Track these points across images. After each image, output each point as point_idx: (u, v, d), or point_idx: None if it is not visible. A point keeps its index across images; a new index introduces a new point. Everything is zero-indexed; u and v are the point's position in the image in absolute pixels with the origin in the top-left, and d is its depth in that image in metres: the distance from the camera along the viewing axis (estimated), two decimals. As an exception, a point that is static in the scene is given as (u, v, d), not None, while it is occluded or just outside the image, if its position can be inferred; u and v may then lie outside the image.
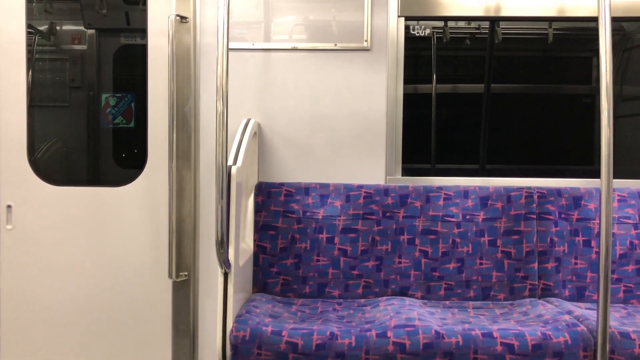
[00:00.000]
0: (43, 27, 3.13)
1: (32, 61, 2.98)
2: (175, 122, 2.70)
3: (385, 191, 2.68)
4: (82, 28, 3.18)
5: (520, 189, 2.67)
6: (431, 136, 3.81)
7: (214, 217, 2.15)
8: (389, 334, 2.07)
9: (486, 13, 2.86)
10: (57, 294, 2.83)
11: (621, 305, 2.56)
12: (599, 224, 2.01)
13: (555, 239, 2.62)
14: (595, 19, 2.07)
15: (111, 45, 3.20)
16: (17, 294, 2.83)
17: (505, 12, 2.85)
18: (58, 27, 3.19)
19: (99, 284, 2.82)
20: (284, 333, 2.07)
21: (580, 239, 2.63)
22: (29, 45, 2.89)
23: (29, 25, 2.87)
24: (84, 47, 3.20)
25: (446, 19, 3.40)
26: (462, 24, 3.73)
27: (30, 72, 2.91)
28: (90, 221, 2.82)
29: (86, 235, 2.82)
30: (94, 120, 3.14)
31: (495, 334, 2.07)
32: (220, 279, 2.23)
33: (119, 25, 3.16)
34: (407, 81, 2.88)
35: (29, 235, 2.83)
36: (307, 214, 2.67)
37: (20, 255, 2.83)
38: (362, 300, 2.58)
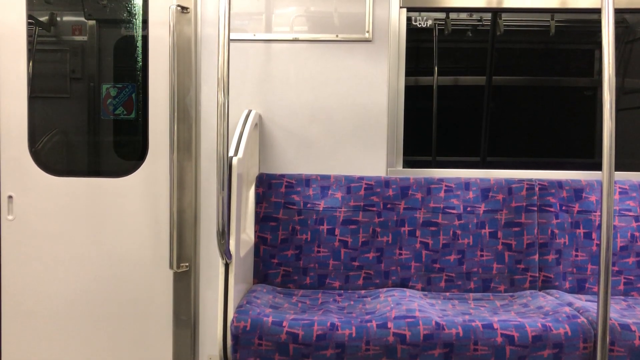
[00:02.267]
0: (43, 18, 3.12)
1: (33, 52, 2.97)
2: (176, 113, 2.70)
3: (386, 183, 2.68)
4: (82, 19, 3.16)
5: (521, 181, 2.67)
6: (432, 128, 3.80)
7: (215, 208, 2.16)
8: (390, 324, 2.07)
9: (488, 5, 2.84)
10: (58, 284, 2.84)
11: (621, 297, 2.56)
12: (600, 216, 2.00)
13: (556, 231, 2.62)
14: (598, 11, 2.06)
15: (112, 36, 3.19)
16: (18, 284, 2.84)
17: (507, 4, 2.84)
18: (58, 18, 3.17)
19: (100, 274, 2.83)
20: (284, 323, 2.08)
21: (581, 231, 2.63)
22: (30, 36, 2.88)
23: (29, 16, 2.87)
24: (85, 38, 3.19)
25: (448, 10, 3.38)
26: (464, 15, 3.71)
27: (30, 63, 2.90)
28: (91, 212, 2.83)
29: (87, 226, 2.83)
30: (94, 111, 3.14)
31: (495, 326, 2.07)
32: (221, 269, 2.24)
33: (120, 16, 3.14)
34: (408, 73, 2.87)
35: (30, 226, 2.83)
36: (308, 205, 2.67)
37: (21, 245, 2.84)
38: (363, 291, 2.59)
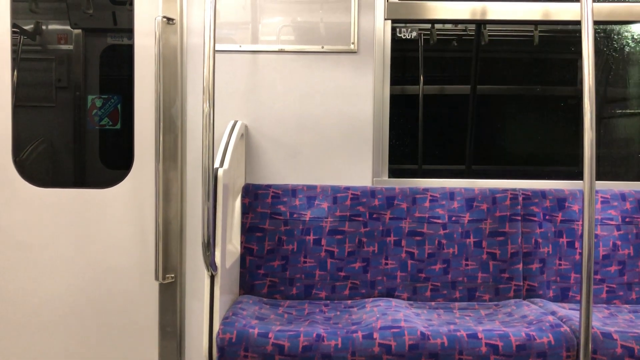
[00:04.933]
0: (28, 27, 3.11)
1: (18, 61, 2.96)
2: (161, 124, 2.69)
3: (372, 193, 2.69)
4: (68, 28, 3.15)
5: (505, 190, 2.70)
6: (418, 137, 3.83)
7: (201, 219, 2.15)
8: (375, 335, 2.08)
9: (472, 16, 2.88)
10: (42, 296, 2.81)
11: (604, 305, 2.59)
12: (583, 225, 2.03)
13: (540, 240, 2.65)
14: (578, 23, 2.09)
15: (98, 45, 3.18)
16: (1, 296, 2.81)
17: (491, 15, 2.87)
18: (44, 27, 3.16)
19: (85, 286, 2.81)
20: (270, 335, 2.08)
21: (564, 240, 2.66)
22: (14, 45, 2.87)
23: (13, 25, 2.85)
24: (71, 47, 3.18)
25: (433, 21, 3.42)
26: (449, 25, 3.75)
27: (15, 72, 2.88)
28: (77, 223, 2.81)
29: (72, 237, 2.81)
30: (80, 121, 3.12)
31: (480, 335, 2.09)
32: (207, 281, 2.23)
33: (106, 26, 3.14)
34: (394, 82, 2.89)
35: (13, 238, 2.81)
36: (294, 215, 2.67)
37: (5, 257, 2.81)
38: (349, 301, 2.59)
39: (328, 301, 2.60)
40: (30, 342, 2.82)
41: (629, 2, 2.96)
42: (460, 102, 3.93)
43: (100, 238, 2.80)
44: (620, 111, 3.81)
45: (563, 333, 2.11)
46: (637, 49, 3.59)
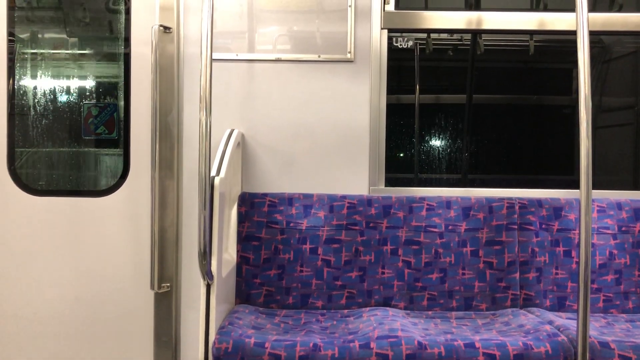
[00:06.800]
0: (25, 35, 3.10)
1: (14, 69, 2.95)
2: (158, 132, 2.69)
3: (369, 201, 2.69)
4: (64, 36, 3.15)
5: (501, 199, 2.70)
6: (414, 146, 3.84)
7: (197, 228, 2.14)
8: (372, 345, 2.07)
9: (468, 26, 2.89)
10: (37, 305, 2.79)
11: (601, 314, 2.59)
12: (579, 234, 2.03)
13: (536, 249, 2.65)
14: (573, 33, 2.10)
15: (94, 53, 3.18)
16: (-5, 306, 2.79)
17: (487, 25, 2.88)
18: (40, 35, 3.16)
19: (80, 295, 2.79)
20: (267, 344, 2.06)
21: (560, 249, 2.66)
22: (10, 53, 2.87)
23: (9, 33, 2.85)
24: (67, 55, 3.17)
25: (429, 31, 3.43)
26: (444, 35, 3.77)
27: (11, 80, 2.88)
28: (72, 232, 2.79)
29: (67, 246, 2.79)
30: (76, 129, 3.11)
31: (477, 345, 2.08)
32: (203, 290, 2.22)
33: (102, 34, 3.14)
34: (390, 92, 2.90)
35: (8, 246, 2.79)
36: (291, 224, 2.66)
37: (-1, 266, 2.79)
38: (346, 310, 2.58)
39: (325, 310, 2.59)
40: (24, 351, 2.79)
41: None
42: (456, 111, 3.95)
43: (95, 247, 2.79)
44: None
45: (560, 342, 2.10)
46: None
